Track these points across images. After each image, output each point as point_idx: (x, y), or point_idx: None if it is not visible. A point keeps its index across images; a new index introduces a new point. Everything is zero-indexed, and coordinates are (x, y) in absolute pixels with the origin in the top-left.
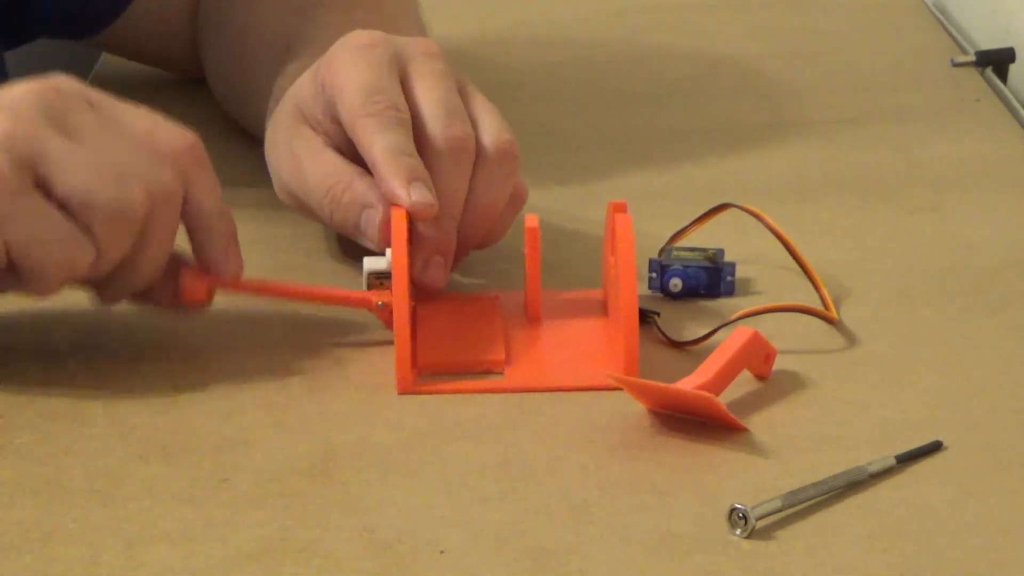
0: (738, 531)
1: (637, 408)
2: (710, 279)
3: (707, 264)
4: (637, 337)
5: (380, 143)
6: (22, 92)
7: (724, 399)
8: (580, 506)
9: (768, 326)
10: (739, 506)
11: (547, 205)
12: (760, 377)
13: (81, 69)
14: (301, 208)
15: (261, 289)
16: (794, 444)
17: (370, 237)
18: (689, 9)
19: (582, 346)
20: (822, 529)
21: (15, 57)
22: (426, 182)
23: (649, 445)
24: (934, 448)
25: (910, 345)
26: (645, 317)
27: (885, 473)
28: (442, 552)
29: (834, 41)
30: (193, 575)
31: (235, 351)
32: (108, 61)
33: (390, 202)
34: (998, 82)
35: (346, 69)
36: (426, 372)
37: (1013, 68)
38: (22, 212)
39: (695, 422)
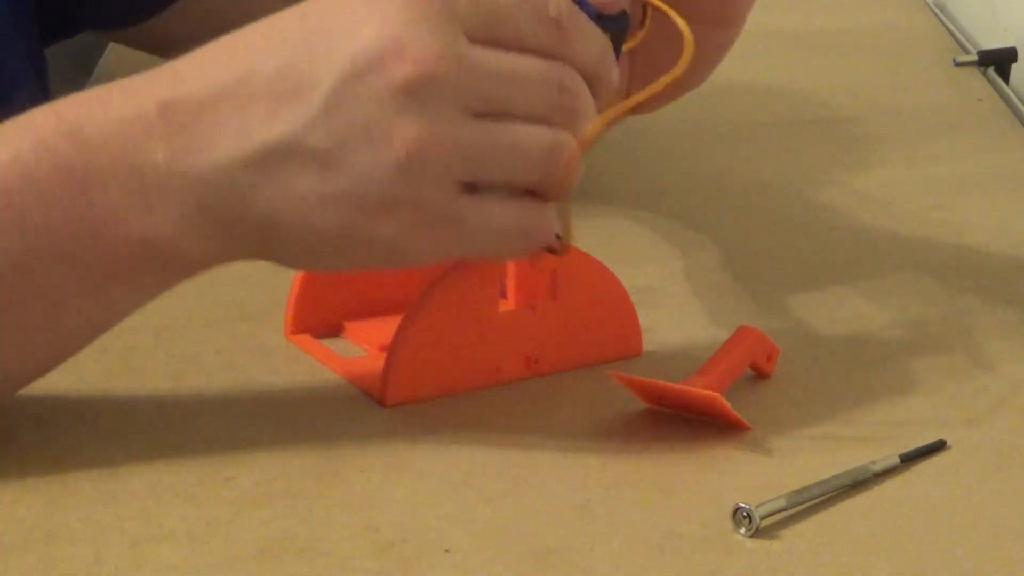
0: (742, 530)
1: (640, 407)
2: None
3: None
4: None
5: None
6: (424, 80)
7: (727, 398)
8: (584, 505)
9: (771, 325)
10: (743, 505)
11: None
12: (763, 375)
13: (87, 61)
14: None
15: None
16: (798, 443)
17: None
18: None
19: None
20: (826, 528)
21: None
22: None
23: (653, 444)
24: (938, 447)
25: (913, 344)
26: None
27: (889, 472)
28: (446, 551)
29: (836, 40)
30: (197, 574)
31: (239, 351)
32: (113, 57)
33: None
34: (1000, 82)
35: None
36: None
37: (1015, 68)
38: (460, 233)
39: (699, 421)
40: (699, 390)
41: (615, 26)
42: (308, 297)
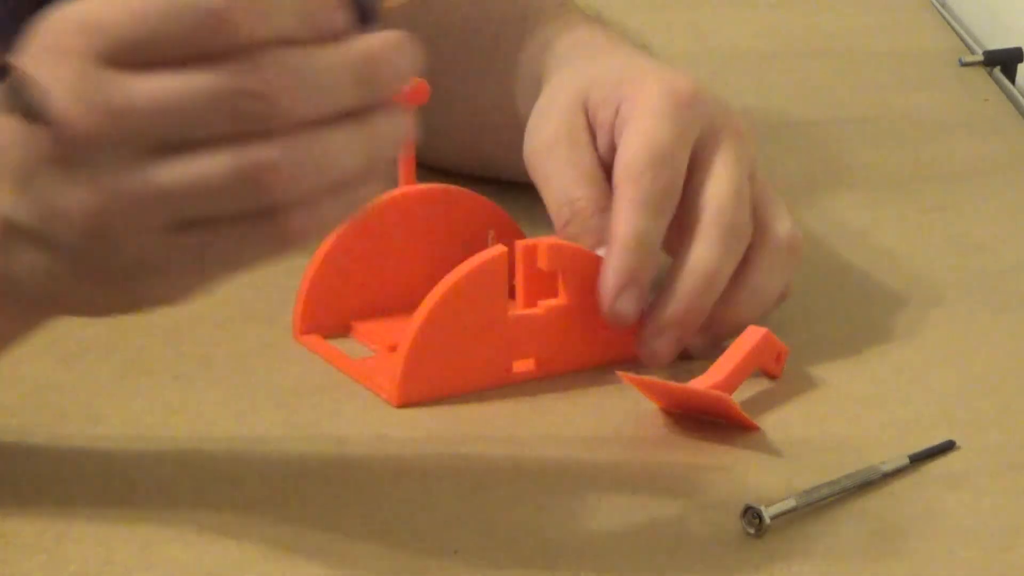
0: (752, 530)
1: (650, 408)
2: None
3: None
4: None
5: (627, 225)
6: None
7: (736, 398)
8: (593, 505)
9: (779, 325)
10: (753, 505)
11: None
12: (772, 376)
13: None
14: (533, 177)
15: None
16: (807, 443)
17: (602, 274)
18: (696, 9)
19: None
20: (836, 528)
21: None
22: (640, 291)
23: (662, 445)
24: (947, 448)
25: (922, 344)
26: None
27: (899, 473)
28: (455, 552)
29: (842, 40)
30: (207, 574)
31: (247, 353)
32: None
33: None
34: (1006, 82)
35: (649, 116)
36: None
37: (1021, 68)
38: (200, 269)
39: (708, 421)
40: (708, 390)
41: None
42: (317, 297)
